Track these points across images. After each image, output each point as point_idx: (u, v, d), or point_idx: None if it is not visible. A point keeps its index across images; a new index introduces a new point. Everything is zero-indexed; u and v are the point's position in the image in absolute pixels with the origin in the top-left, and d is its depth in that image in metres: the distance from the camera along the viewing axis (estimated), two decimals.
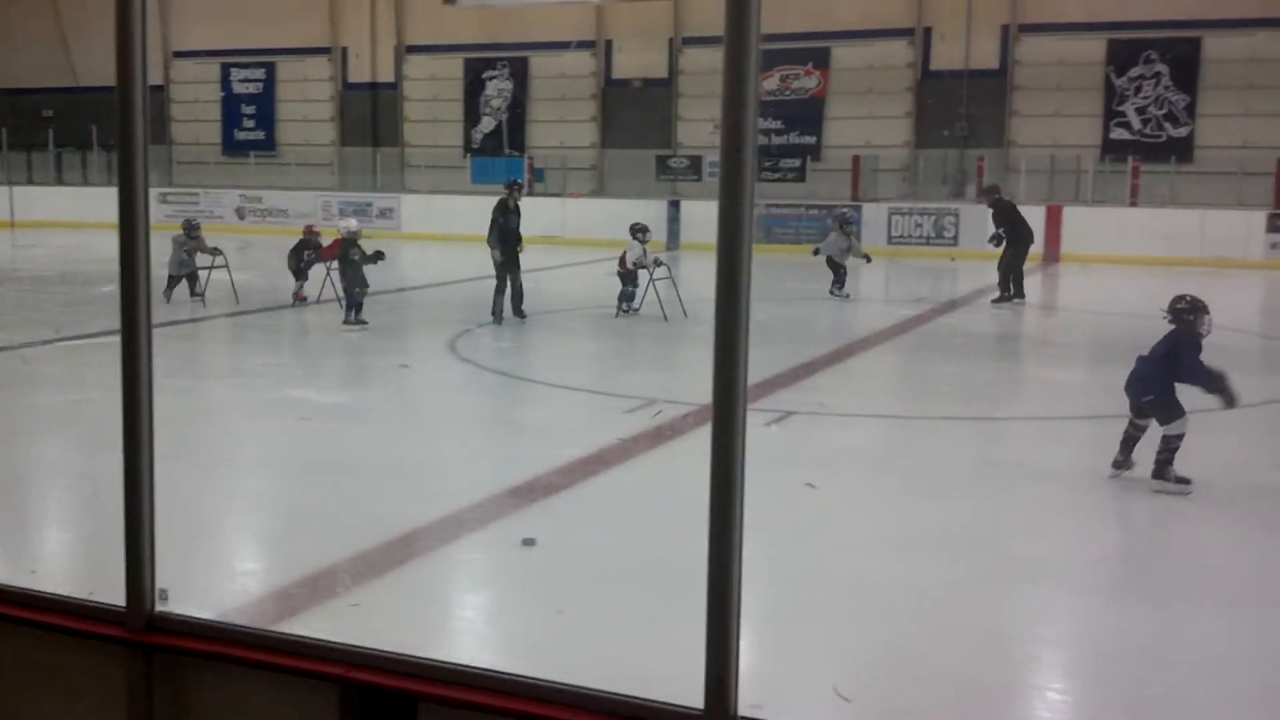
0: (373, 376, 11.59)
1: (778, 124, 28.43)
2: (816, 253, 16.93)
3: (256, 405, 10.19)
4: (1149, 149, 25.24)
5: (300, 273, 15.51)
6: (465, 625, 5.53)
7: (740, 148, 2.47)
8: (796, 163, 27.87)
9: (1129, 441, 7.60)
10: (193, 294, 15.62)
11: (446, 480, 7.75)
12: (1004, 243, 16.55)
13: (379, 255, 14.07)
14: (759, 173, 28.02)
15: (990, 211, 17.50)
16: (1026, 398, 11.03)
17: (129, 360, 3.07)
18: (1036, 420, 9.86)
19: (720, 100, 2.48)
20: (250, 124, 34.54)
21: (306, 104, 33.93)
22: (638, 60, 30.18)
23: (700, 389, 2.50)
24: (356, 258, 13.73)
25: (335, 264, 14.26)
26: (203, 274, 15.64)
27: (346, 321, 13.64)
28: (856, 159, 26.80)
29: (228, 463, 8.25)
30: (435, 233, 27.15)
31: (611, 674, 4.46)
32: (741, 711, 2.56)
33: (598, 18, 30.11)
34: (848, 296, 16.48)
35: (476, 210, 27.23)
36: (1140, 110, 25.71)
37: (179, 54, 34.84)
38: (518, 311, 14.28)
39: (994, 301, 16.43)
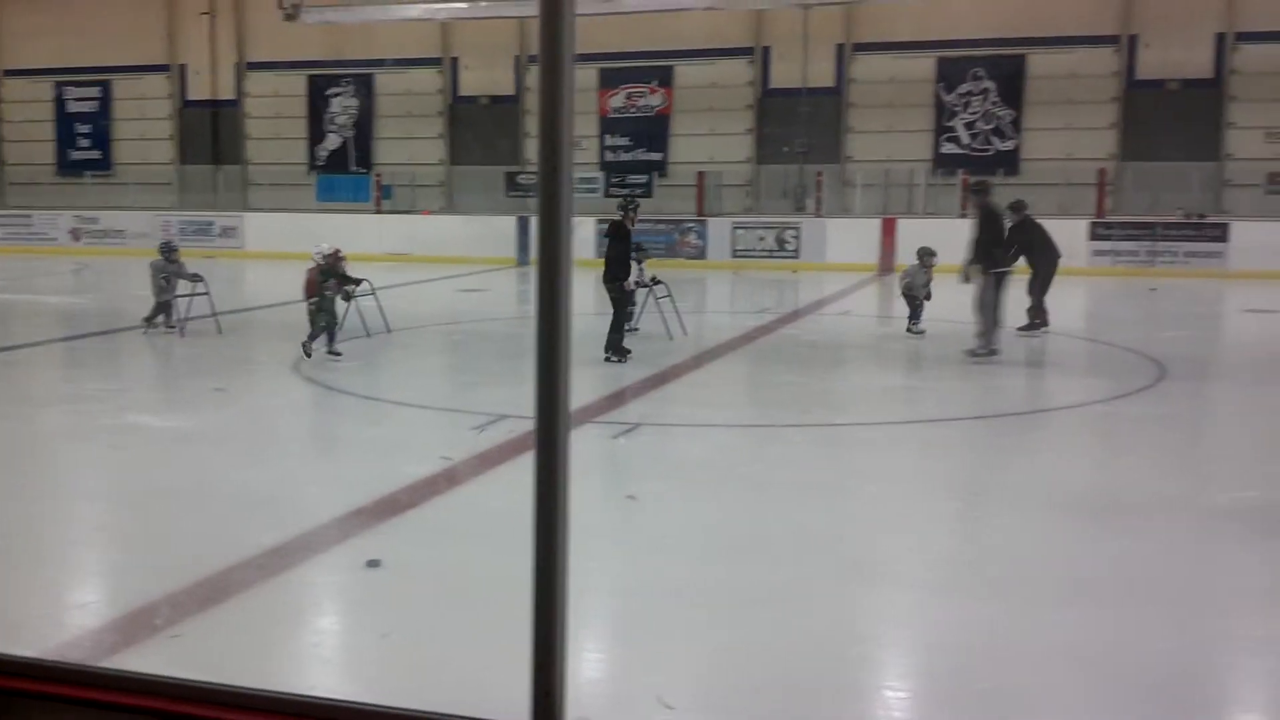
0: (211, 399, 11.29)
1: (625, 140, 28.70)
2: (906, 292, 15.16)
3: (89, 432, 9.83)
4: (977, 162, 26.20)
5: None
6: (300, 651, 5.42)
7: (557, 166, 2.52)
8: (644, 178, 28.17)
9: None
10: (168, 325, 14.53)
11: (291, 503, 7.59)
12: (1028, 263, 14.91)
13: (354, 282, 13.15)
14: (606, 188, 28.16)
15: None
16: (865, 404, 11.34)
17: None
18: (874, 425, 10.15)
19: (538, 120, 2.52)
20: (86, 143, 33.36)
21: (144, 122, 32.90)
22: (484, 77, 30.11)
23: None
24: (329, 293, 12.75)
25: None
26: (182, 303, 14.44)
27: (330, 351, 12.73)
28: (701, 175, 27.21)
29: (58, 493, 7.95)
30: (280, 251, 26.62)
31: (443, 694, 4.47)
32: None
33: (443, 35, 29.93)
34: (923, 333, 14.82)
35: (322, 228, 26.95)
36: (969, 125, 26.72)
37: (10, 72, 33.50)
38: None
39: (1019, 330, 14.66)
